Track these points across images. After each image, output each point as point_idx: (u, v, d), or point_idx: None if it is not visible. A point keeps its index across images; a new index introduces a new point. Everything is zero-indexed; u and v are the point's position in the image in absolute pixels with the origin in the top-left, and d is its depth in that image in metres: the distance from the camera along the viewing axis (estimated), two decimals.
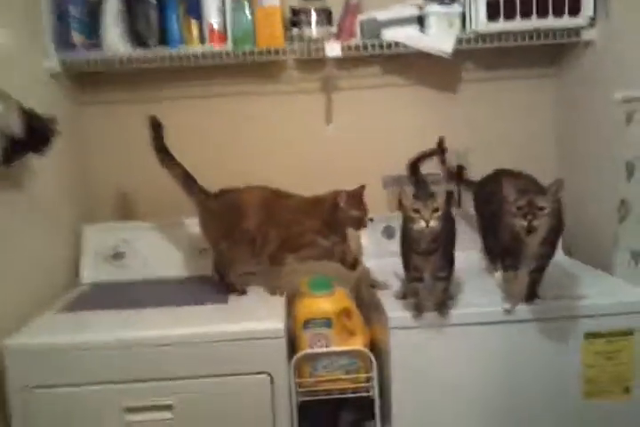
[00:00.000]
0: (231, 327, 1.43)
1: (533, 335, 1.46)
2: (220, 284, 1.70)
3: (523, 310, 1.45)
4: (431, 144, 1.97)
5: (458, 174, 2.10)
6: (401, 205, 1.40)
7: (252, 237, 1.64)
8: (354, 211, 1.60)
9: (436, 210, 1.33)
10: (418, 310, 1.44)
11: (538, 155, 2.11)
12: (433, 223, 1.32)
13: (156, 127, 1.69)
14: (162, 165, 1.69)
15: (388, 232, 1.95)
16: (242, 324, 1.44)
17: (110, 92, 2.05)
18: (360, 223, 1.62)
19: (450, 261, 1.44)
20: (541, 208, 1.31)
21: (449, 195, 2.07)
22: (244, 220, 1.64)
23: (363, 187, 1.64)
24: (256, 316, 1.49)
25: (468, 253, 1.56)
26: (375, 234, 1.93)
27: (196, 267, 1.85)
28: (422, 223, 1.32)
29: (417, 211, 1.33)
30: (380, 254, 1.87)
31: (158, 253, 1.88)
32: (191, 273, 1.85)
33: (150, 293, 1.72)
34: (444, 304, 1.44)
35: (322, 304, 1.56)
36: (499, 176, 1.63)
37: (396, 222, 1.70)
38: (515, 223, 1.33)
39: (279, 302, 1.59)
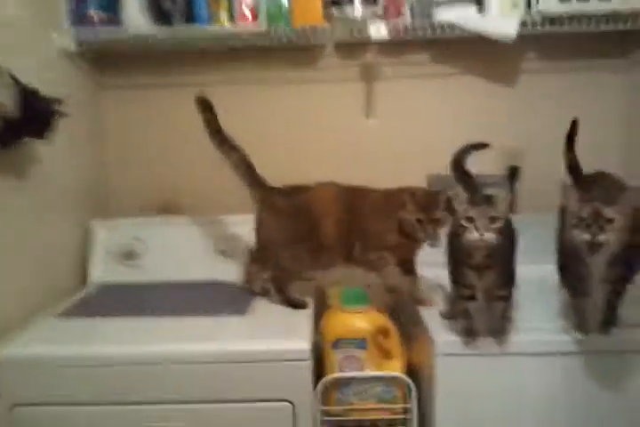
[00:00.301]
0: (248, 345, 1.22)
1: (607, 370, 1.22)
2: (277, 296, 1.48)
3: (596, 340, 1.21)
4: (481, 137, 1.74)
5: (511, 176, 1.89)
6: (451, 210, 1.19)
7: (332, 243, 1.43)
8: (422, 218, 1.37)
9: (495, 220, 1.12)
10: (470, 334, 1.21)
11: (605, 159, 1.85)
12: (489, 235, 1.11)
13: (207, 107, 1.48)
14: (219, 151, 1.48)
15: None
16: (260, 342, 1.23)
17: (131, 75, 1.88)
18: (429, 235, 1.37)
19: (510, 278, 1.21)
20: (610, 220, 1.08)
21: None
22: (322, 224, 1.43)
23: (440, 192, 1.39)
24: (278, 332, 1.28)
25: (532, 268, 1.31)
26: None
27: (215, 270, 1.66)
28: (475, 234, 1.11)
29: (470, 219, 1.12)
30: (421, 264, 1.64)
31: (175, 253, 1.69)
32: (210, 277, 1.65)
33: (162, 298, 1.54)
34: (501, 329, 1.21)
35: (356, 322, 1.35)
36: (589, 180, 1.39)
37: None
38: (575, 237, 1.11)
39: (305, 317, 1.38)
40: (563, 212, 1.23)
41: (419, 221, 1.36)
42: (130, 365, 1.20)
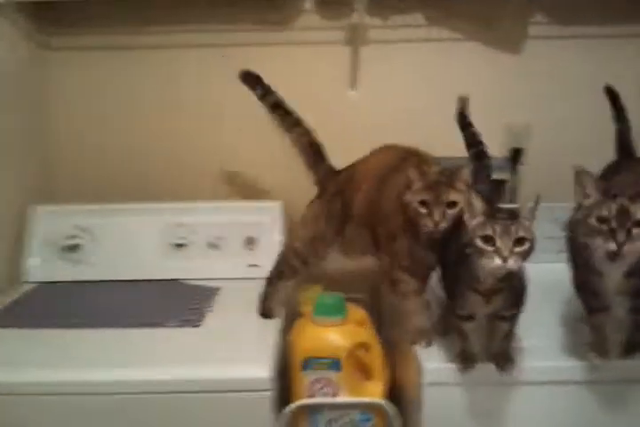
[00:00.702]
0: (195, 373, 1.00)
1: (628, 403, 1.02)
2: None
3: (617, 366, 1.00)
4: (482, 118, 1.50)
5: (514, 158, 1.66)
6: (462, 222, 0.94)
7: (358, 225, 1.18)
8: (429, 200, 1.01)
9: (522, 242, 0.88)
10: (466, 359, 1.00)
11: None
12: (513, 263, 0.87)
13: (256, 82, 1.28)
14: (282, 128, 1.28)
15: None
16: (211, 368, 1.01)
17: (80, 34, 1.59)
18: (437, 223, 1.00)
19: (520, 296, 0.98)
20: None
21: (499, 185, 1.71)
22: (354, 201, 1.17)
23: (464, 167, 1.04)
24: (234, 353, 1.05)
25: (535, 268, 1.06)
26: None
27: (171, 267, 1.43)
28: (497, 261, 0.87)
29: (489, 239, 0.88)
30: None
31: (126, 246, 1.45)
32: (165, 275, 1.42)
33: (106, 303, 1.30)
34: (504, 354, 1.00)
35: (330, 337, 1.12)
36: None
37: None
38: (593, 244, 0.89)
39: (272, 330, 1.16)
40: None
41: (423, 203, 1.02)
42: (39, 395, 0.98)
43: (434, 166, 1.07)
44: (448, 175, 1.03)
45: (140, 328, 1.15)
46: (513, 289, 0.95)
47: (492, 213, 0.90)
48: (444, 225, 1.00)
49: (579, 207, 0.93)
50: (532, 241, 0.88)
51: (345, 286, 1.63)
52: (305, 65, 1.61)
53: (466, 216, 0.92)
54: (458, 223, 0.96)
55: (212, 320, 1.20)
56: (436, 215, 0.99)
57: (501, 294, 0.94)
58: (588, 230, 0.89)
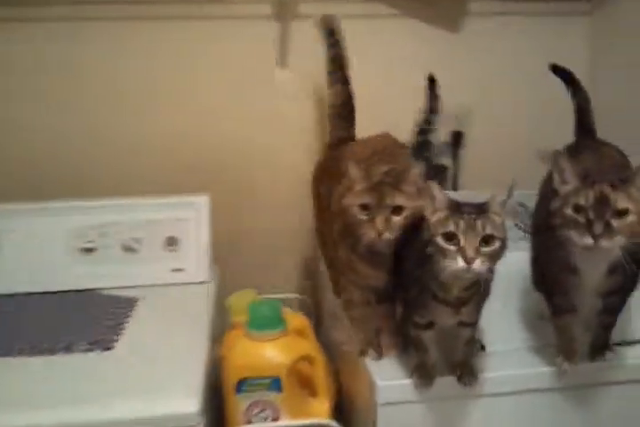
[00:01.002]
0: (103, 411, 0.82)
1: (600, 407, 0.93)
2: None
3: (585, 369, 0.91)
4: (420, 100, 1.42)
5: (454, 143, 1.56)
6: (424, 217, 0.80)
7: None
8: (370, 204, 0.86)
9: (491, 240, 0.75)
10: (425, 374, 0.87)
11: (564, 120, 1.56)
12: (480, 265, 0.74)
13: (333, 31, 1.27)
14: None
15: None
16: (125, 404, 0.83)
17: None
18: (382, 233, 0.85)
19: (484, 301, 0.86)
20: (622, 212, 0.75)
21: (440, 171, 1.61)
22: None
23: (413, 167, 0.89)
24: (153, 382, 0.88)
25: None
26: None
27: (80, 276, 1.23)
28: (460, 263, 0.74)
29: (452, 237, 0.75)
30: None
31: (26, 253, 1.23)
32: (73, 286, 1.22)
33: (2, 321, 1.10)
34: (466, 364, 0.88)
35: (267, 354, 0.97)
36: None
37: None
38: (568, 237, 0.78)
39: (197, 346, 0.99)
40: (545, 194, 0.90)
41: (364, 207, 0.87)
42: None
43: (381, 165, 0.91)
44: (394, 176, 0.88)
45: (37, 356, 0.95)
46: (483, 298, 0.83)
47: (456, 207, 0.77)
48: (388, 235, 0.84)
49: (555, 194, 0.82)
50: (502, 240, 0.76)
51: (281, 285, 1.51)
52: (229, 41, 1.43)
53: (427, 211, 0.79)
54: (418, 220, 0.82)
55: (127, 340, 1.01)
56: (379, 222, 0.83)
57: (469, 305, 0.82)
58: (563, 221, 0.78)
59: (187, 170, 1.43)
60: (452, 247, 0.74)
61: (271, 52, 1.45)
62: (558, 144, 1.54)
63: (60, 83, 1.39)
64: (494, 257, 0.75)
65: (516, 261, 0.90)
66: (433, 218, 0.78)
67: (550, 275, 0.89)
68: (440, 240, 0.75)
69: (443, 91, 1.52)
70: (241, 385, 0.97)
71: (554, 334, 0.92)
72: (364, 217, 0.85)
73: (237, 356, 0.98)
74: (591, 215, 0.75)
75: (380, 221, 0.83)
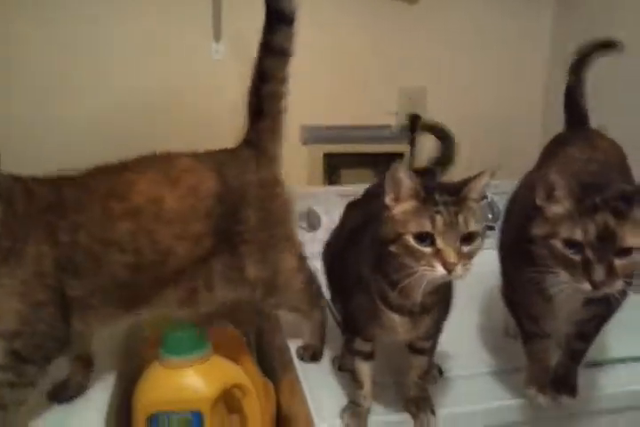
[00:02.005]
0: None
1: None
2: None
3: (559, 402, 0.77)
4: (374, 81, 1.35)
5: (411, 127, 1.41)
6: (384, 206, 0.63)
7: None
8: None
9: (471, 238, 0.59)
10: (357, 414, 0.71)
11: (527, 103, 1.44)
12: (462, 270, 0.58)
13: None
14: None
15: (310, 220, 1.22)
16: None
17: None
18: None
19: (441, 321, 0.71)
20: (627, 250, 0.59)
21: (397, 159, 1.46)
22: None
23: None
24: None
25: None
26: None
27: None
28: (441, 270, 0.58)
29: (427, 238, 0.59)
30: None
31: None
32: None
33: None
34: (422, 399, 0.73)
35: (185, 384, 0.80)
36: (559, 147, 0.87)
37: (323, 206, 1.18)
38: (553, 275, 0.62)
39: (100, 387, 0.81)
40: (523, 204, 0.74)
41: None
42: None
43: None
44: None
45: None
46: (444, 309, 0.68)
47: (428, 195, 0.60)
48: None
49: (538, 213, 0.64)
50: (482, 234, 0.60)
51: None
52: (156, 12, 1.22)
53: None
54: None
55: None
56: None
57: (428, 316, 0.66)
58: (550, 255, 0.62)
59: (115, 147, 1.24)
60: (427, 250, 0.58)
61: (207, 22, 1.25)
62: (526, 123, 1.45)
63: None
64: (474, 255, 0.60)
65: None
66: (398, 209, 0.61)
67: (521, 298, 0.74)
68: (410, 240, 0.58)
69: (398, 72, 1.37)
70: (153, 422, 0.80)
71: (525, 358, 0.78)
72: None
73: (149, 388, 0.80)
74: (590, 255, 0.59)
75: None
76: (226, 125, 0.93)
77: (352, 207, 0.86)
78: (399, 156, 1.43)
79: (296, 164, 1.34)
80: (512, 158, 1.43)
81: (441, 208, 0.58)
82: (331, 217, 1.13)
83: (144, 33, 1.22)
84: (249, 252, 0.77)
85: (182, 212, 0.72)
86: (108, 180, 0.72)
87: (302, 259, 0.84)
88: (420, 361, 0.72)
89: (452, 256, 0.57)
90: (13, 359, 0.67)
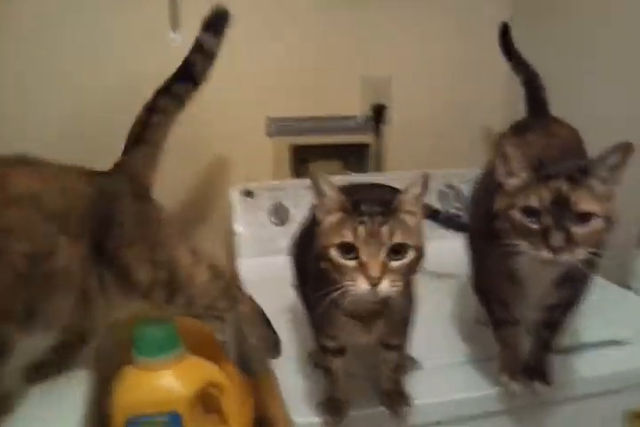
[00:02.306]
0: None
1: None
2: None
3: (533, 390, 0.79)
4: (336, 70, 1.34)
5: (376, 118, 1.42)
6: (316, 207, 0.63)
7: None
8: None
9: (401, 250, 0.58)
10: (334, 409, 0.72)
11: (494, 92, 1.45)
12: (388, 286, 0.57)
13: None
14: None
15: (279, 214, 1.22)
16: None
17: None
18: None
19: (405, 321, 0.71)
20: (585, 215, 0.61)
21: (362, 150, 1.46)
22: None
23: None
24: None
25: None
26: (257, 216, 1.18)
27: None
28: (364, 285, 0.56)
29: (351, 250, 0.57)
30: (265, 251, 1.14)
31: None
32: None
33: None
34: (396, 391, 0.74)
35: (161, 385, 0.80)
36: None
37: (292, 200, 1.20)
38: (516, 246, 0.64)
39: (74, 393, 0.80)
40: (486, 186, 0.76)
41: None
42: None
43: None
44: None
45: None
46: (402, 313, 0.68)
47: (354, 207, 0.59)
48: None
49: (499, 189, 0.67)
50: (418, 249, 0.59)
51: None
52: (121, 5, 1.19)
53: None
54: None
55: None
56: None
57: (383, 319, 0.66)
58: (511, 226, 0.64)
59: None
60: (351, 263, 0.57)
61: (164, 11, 1.22)
62: (491, 112, 1.46)
63: None
64: (409, 271, 0.59)
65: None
66: (325, 223, 0.60)
67: (489, 283, 0.76)
68: (334, 253, 0.58)
69: (362, 60, 1.37)
70: (130, 424, 0.79)
71: (497, 349, 0.80)
72: None
73: (124, 391, 0.79)
74: (547, 222, 0.61)
75: None
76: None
77: None
78: (365, 146, 1.44)
79: (262, 157, 1.33)
80: (479, 148, 1.47)
81: (365, 218, 0.57)
82: (299, 210, 1.13)
83: (102, 23, 1.19)
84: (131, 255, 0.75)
85: None
86: None
87: (198, 253, 0.82)
88: (390, 356, 0.73)
89: (375, 270, 0.55)
90: None
